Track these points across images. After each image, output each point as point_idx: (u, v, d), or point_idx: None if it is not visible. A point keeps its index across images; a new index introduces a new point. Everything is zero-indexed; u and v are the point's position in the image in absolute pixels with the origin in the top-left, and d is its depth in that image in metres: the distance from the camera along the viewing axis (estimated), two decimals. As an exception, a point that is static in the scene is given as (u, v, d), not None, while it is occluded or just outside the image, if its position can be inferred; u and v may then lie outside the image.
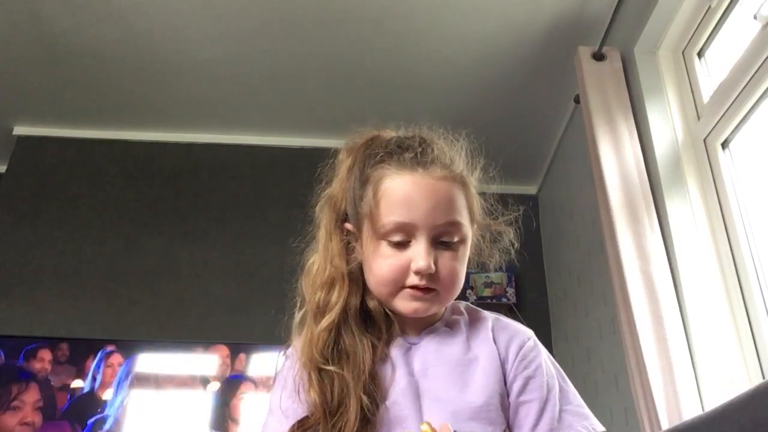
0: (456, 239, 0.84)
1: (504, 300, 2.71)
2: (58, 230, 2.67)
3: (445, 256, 0.83)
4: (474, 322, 0.90)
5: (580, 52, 2.10)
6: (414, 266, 0.81)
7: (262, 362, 2.41)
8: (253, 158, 2.92)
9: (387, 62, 2.47)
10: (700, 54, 1.92)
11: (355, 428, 0.75)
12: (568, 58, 2.23)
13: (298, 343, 0.86)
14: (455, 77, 2.53)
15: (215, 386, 2.35)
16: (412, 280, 0.82)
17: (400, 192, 0.82)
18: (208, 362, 2.40)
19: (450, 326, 0.89)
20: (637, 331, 1.60)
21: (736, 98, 1.64)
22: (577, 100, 2.35)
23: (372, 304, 0.86)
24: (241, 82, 2.61)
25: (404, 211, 0.81)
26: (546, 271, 2.94)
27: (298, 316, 0.88)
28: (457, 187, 0.85)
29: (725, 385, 1.50)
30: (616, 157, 1.88)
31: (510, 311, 2.65)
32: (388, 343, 0.85)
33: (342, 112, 2.71)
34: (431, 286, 0.82)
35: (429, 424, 0.74)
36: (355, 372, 0.79)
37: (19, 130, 2.89)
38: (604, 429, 0.82)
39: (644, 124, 1.93)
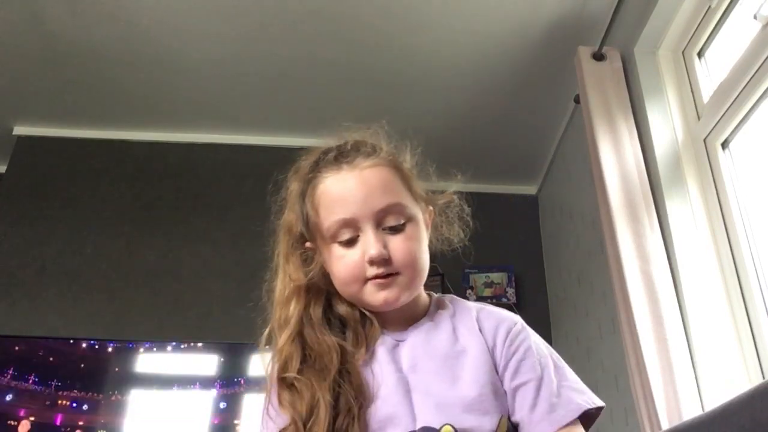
0: (402, 221, 0.84)
1: (504, 300, 2.71)
2: (58, 230, 2.67)
3: (396, 239, 0.83)
4: (459, 313, 0.90)
5: (580, 52, 2.10)
6: (366, 257, 0.82)
7: (262, 362, 2.41)
8: (253, 158, 2.91)
9: (387, 62, 2.47)
10: (700, 54, 1.91)
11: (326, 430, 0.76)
12: (568, 58, 2.23)
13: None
14: (455, 77, 2.53)
15: (215, 386, 2.35)
16: (371, 271, 0.82)
17: (331, 192, 0.84)
18: (208, 362, 2.40)
19: (435, 320, 0.89)
20: (637, 331, 1.60)
21: (736, 98, 1.64)
22: (577, 100, 2.35)
23: (343, 308, 0.87)
24: (241, 82, 2.61)
25: (341, 209, 0.83)
26: (546, 271, 2.94)
27: (265, 334, 0.90)
28: (388, 171, 0.86)
29: (725, 385, 1.50)
30: (616, 157, 1.88)
31: (510, 311, 2.65)
32: (370, 344, 0.85)
33: (342, 113, 2.68)
34: (390, 272, 0.83)
35: (452, 427, 0.75)
36: (321, 376, 0.79)
37: (19, 130, 2.89)
38: (603, 404, 0.82)
39: (644, 124, 1.92)
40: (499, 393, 0.81)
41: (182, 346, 2.43)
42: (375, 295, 0.84)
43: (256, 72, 2.55)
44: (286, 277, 0.90)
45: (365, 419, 0.77)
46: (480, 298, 2.72)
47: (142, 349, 2.41)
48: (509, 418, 0.81)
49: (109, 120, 2.86)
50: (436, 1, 2.18)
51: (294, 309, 0.87)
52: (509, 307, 2.71)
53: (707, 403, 1.49)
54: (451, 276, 2.71)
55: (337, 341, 0.83)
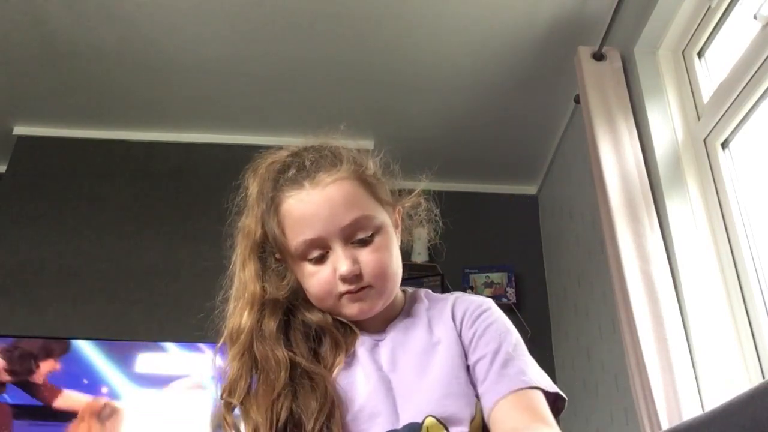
0: (370, 232, 0.83)
1: (504, 300, 2.71)
2: (58, 230, 2.67)
3: (365, 252, 0.82)
4: (435, 305, 0.91)
5: (580, 52, 2.10)
6: (337, 275, 0.81)
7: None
8: (253, 158, 2.91)
9: (387, 63, 2.47)
10: (700, 54, 1.92)
11: None
12: (568, 58, 2.23)
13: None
14: (455, 77, 2.53)
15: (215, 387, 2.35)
16: (342, 287, 0.82)
17: (295, 212, 0.82)
18: (208, 362, 2.40)
19: (412, 315, 0.89)
20: (637, 331, 1.60)
21: (736, 98, 1.64)
22: (577, 100, 2.35)
23: (315, 317, 0.86)
24: (241, 82, 2.61)
25: (307, 229, 0.81)
26: (546, 271, 2.94)
27: (217, 347, 0.88)
28: (351, 184, 0.84)
29: (725, 385, 1.50)
30: (616, 157, 1.88)
31: (510, 311, 2.65)
32: (349, 348, 0.84)
33: (342, 113, 2.71)
34: (362, 285, 0.82)
35: (434, 417, 0.75)
36: (266, 393, 0.78)
37: (19, 130, 2.89)
38: (563, 395, 0.80)
39: (644, 124, 1.93)
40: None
41: (182, 346, 2.43)
42: (350, 307, 0.83)
43: (255, 72, 2.55)
44: (241, 286, 0.88)
45: (346, 422, 0.77)
46: (480, 298, 2.71)
47: (142, 349, 2.41)
48: None
49: (109, 120, 2.86)
50: (436, 1, 2.18)
51: (246, 321, 0.85)
52: (509, 307, 2.72)
53: (707, 403, 1.49)
54: (451, 276, 2.71)
55: (289, 356, 0.81)
